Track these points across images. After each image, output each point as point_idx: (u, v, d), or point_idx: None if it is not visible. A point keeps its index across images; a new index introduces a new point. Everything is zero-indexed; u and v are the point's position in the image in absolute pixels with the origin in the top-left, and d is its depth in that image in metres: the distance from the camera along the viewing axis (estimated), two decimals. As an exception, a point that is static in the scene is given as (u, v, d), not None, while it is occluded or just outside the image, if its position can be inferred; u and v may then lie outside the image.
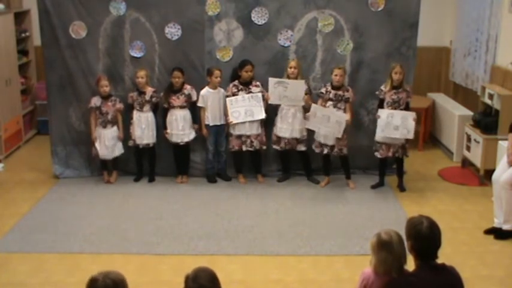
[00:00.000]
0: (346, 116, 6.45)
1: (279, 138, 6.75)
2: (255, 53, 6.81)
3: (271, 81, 6.63)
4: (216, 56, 6.88)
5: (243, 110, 6.65)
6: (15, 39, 8.26)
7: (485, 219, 5.81)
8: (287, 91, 6.58)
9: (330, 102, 6.54)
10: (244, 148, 6.77)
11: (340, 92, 6.55)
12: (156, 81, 6.91)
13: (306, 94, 6.61)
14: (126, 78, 6.91)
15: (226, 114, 6.76)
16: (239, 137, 6.75)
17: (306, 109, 6.63)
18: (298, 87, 6.58)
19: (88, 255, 5.19)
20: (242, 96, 6.65)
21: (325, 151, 6.63)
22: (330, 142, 6.57)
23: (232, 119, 6.67)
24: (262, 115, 6.67)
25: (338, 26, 6.83)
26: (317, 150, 6.69)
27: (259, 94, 6.66)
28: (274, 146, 6.82)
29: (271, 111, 6.80)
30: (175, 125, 6.72)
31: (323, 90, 6.62)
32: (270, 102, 6.67)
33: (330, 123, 6.44)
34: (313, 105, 6.53)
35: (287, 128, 6.66)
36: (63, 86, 6.92)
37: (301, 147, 6.77)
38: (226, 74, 6.74)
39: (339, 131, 6.44)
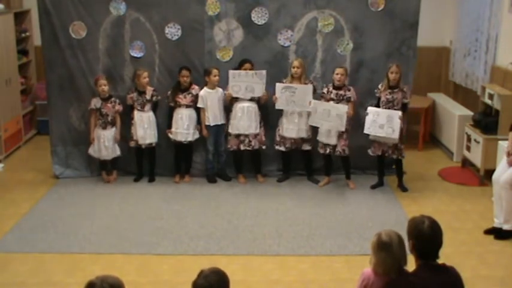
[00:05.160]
0: (346, 108, 6.44)
1: (284, 139, 6.74)
2: (255, 53, 6.81)
3: (278, 86, 6.61)
4: (216, 56, 6.88)
5: (244, 86, 6.61)
6: (15, 39, 8.26)
7: (485, 219, 5.81)
8: (295, 96, 6.55)
9: (331, 102, 6.54)
10: (242, 147, 6.77)
11: (341, 92, 6.55)
12: (156, 81, 6.91)
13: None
14: (126, 78, 6.91)
15: (230, 104, 6.73)
16: (237, 136, 6.74)
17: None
18: (305, 92, 6.56)
19: (88, 255, 5.19)
20: (246, 71, 6.62)
21: (328, 151, 6.63)
22: (333, 141, 6.56)
23: (232, 92, 6.63)
24: (263, 92, 6.63)
25: (338, 26, 6.83)
26: (321, 151, 6.69)
27: (264, 71, 6.62)
28: (278, 147, 6.80)
29: (274, 112, 6.80)
30: (180, 123, 6.73)
31: (324, 90, 6.62)
32: (277, 107, 6.65)
33: (330, 118, 6.45)
34: (313, 101, 6.53)
35: (293, 128, 6.66)
36: (63, 86, 6.92)
37: (306, 147, 6.77)
38: (226, 74, 6.73)
39: (341, 124, 6.45)
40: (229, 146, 6.82)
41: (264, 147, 6.84)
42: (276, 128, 6.82)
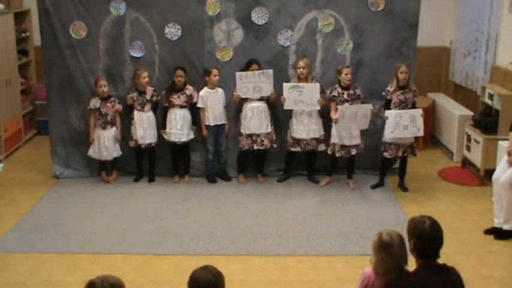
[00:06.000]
0: (371, 106, 6.47)
1: (297, 140, 6.70)
2: (255, 53, 6.80)
3: (286, 86, 6.59)
4: (216, 56, 6.88)
5: (252, 86, 6.60)
6: (15, 39, 8.26)
7: (485, 219, 5.81)
8: (302, 95, 6.53)
9: (346, 104, 6.50)
10: (255, 147, 6.74)
11: (351, 91, 6.55)
12: (156, 81, 6.91)
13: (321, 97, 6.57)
14: (126, 78, 6.91)
15: (240, 105, 6.72)
16: (249, 136, 6.73)
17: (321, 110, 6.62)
18: (313, 91, 6.54)
19: (88, 255, 5.19)
20: (253, 72, 6.61)
21: (353, 152, 6.58)
22: (357, 141, 6.52)
23: (240, 93, 6.63)
24: (271, 90, 6.63)
25: (338, 26, 6.83)
26: (342, 154, 6.57)
27: (270, 71, 6.61)
28: (293, 148, 6.73)
29: (281, 111, 6.79)
30: (174, 123, 6.72)
31: (335, 93, 6.54)
32: (285, 107, 6.62)
33: (357, 119, 6.44)
34: (340, 107, 6.45)
35: (303, 129, 6.63)
36: (63, 86, 6.93)
37: (322, 147, 6.72)
38: (226, 74, 6.73)
39: (366, 122, 6.48)
40: (240, 146, 6.80)
41: (274, 145, 6.83)
42: (287, 129, 6.78)
